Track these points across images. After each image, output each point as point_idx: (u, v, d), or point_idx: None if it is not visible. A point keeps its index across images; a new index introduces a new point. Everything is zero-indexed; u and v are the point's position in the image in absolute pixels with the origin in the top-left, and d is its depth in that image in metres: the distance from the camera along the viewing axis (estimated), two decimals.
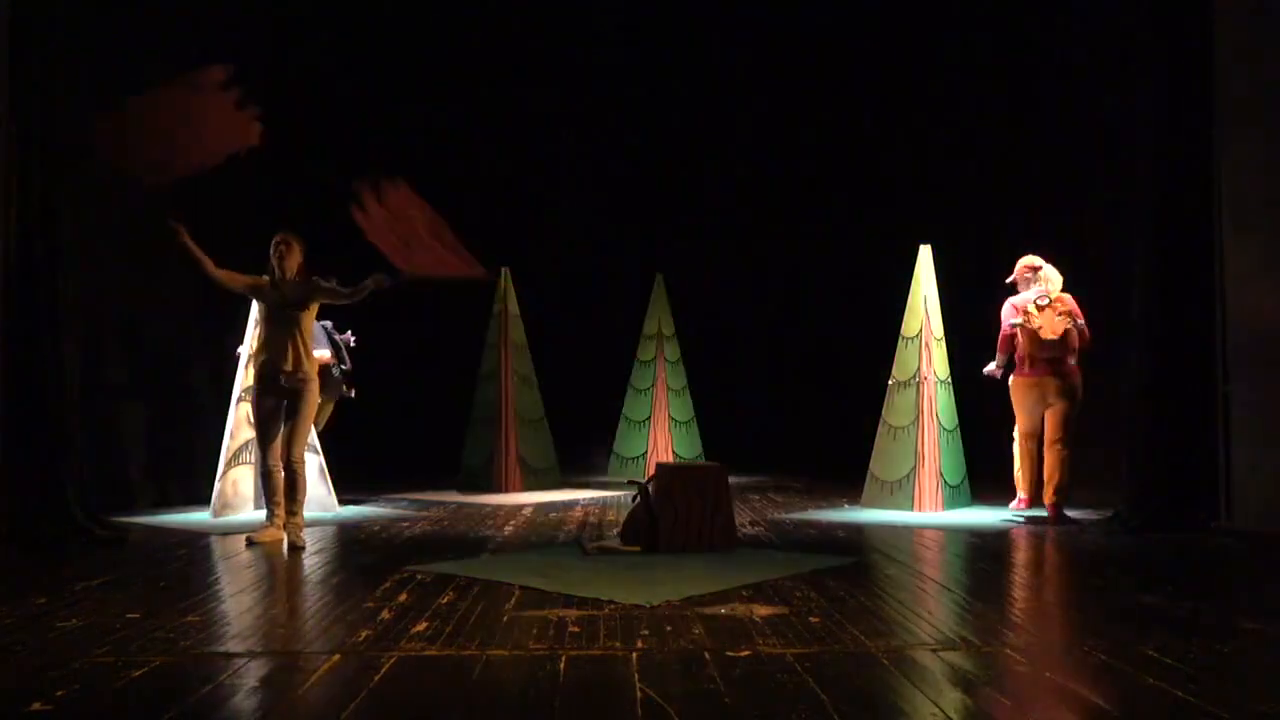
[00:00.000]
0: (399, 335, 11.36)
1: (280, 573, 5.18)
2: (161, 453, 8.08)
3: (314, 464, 7.57)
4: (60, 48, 6.39)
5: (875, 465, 7.83)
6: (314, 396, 6.06)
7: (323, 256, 6.26)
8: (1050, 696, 2.84)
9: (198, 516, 7.16)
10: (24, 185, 6.08)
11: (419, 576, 4.79)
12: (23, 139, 6.09)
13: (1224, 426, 6.36)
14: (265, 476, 6.07)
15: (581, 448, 11.14)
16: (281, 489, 5.99)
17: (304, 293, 5.99)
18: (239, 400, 7.47)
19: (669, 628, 3.72)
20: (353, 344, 8.17)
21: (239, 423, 7.45)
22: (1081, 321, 6.97)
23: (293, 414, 5.98)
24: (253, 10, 9.52)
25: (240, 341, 7.68)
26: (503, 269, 9.68)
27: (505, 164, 11.80)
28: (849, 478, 8.51)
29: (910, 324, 7.79)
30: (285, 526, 5.97)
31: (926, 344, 7.65)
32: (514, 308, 9.70)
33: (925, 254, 7.81)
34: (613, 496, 8.80)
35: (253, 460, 7.54)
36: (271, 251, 6.02)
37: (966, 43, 10.08)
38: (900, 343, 7.86)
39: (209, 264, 5.83)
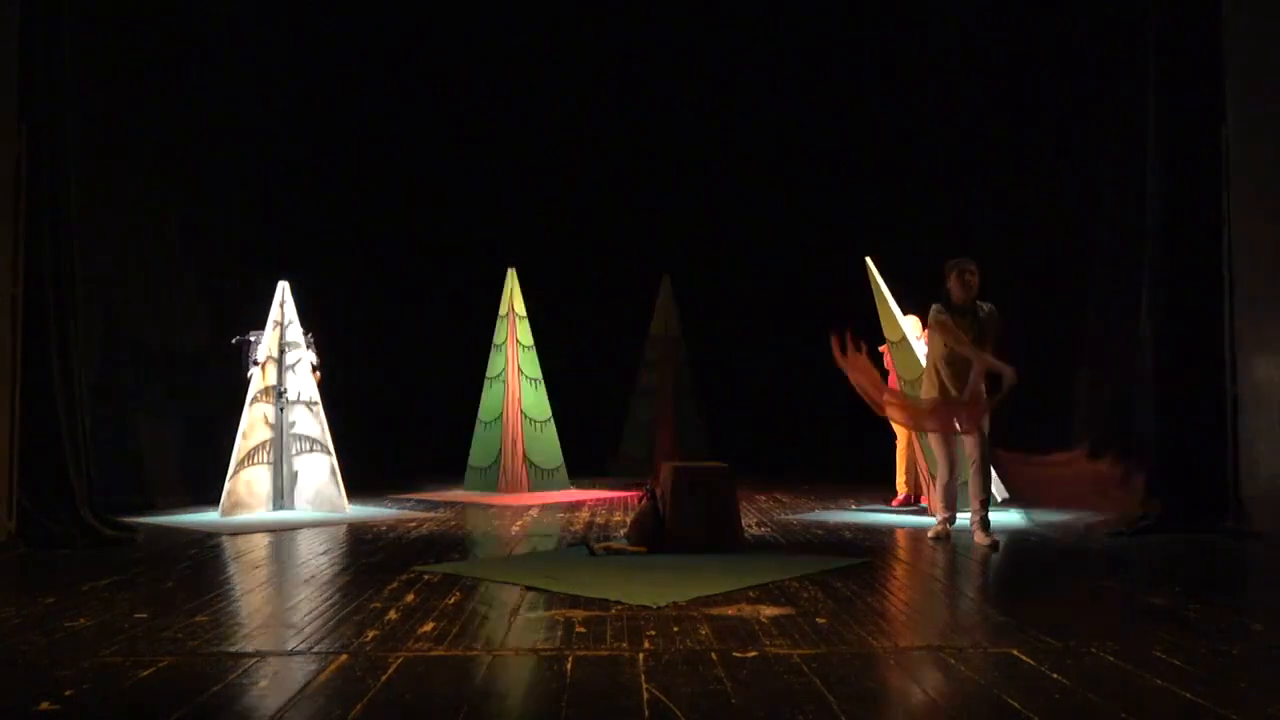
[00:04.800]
0: (407, 336, 11.40)
1: (288, 573, 5.19)
2: (176, 454, 8.10)
3: (324, 464, 7.61)
4: (70, 53, 6.41)
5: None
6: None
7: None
8: (1057, 698, 2.83)
9: (208, 516, 7.20)
10: (34, 191, 6.11)
11: (426, 577, 4.80)
12: (33, 145, 6.11)
13: (1233, 428, 6.34)
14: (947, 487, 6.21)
15: (589, 448, 11.16)
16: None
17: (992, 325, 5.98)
18: (253, 402, 7.50)
19: (676, 628, 3.72)
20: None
21: (253, 424, 7.48)
22: None
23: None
24: (262, 11, 9.54)
25: (252, 345, 7.72)
26: (509, 269, 9.71)
27: (511, 165, 11.83)
28: (857, 479, 8.50)
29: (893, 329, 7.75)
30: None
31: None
32: (521, 309, 9.72)
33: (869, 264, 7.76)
34: (620, 497, 8.80)
35: (267, 461, 7.58)
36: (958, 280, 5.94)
37: (969, 53, 10.05)
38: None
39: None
